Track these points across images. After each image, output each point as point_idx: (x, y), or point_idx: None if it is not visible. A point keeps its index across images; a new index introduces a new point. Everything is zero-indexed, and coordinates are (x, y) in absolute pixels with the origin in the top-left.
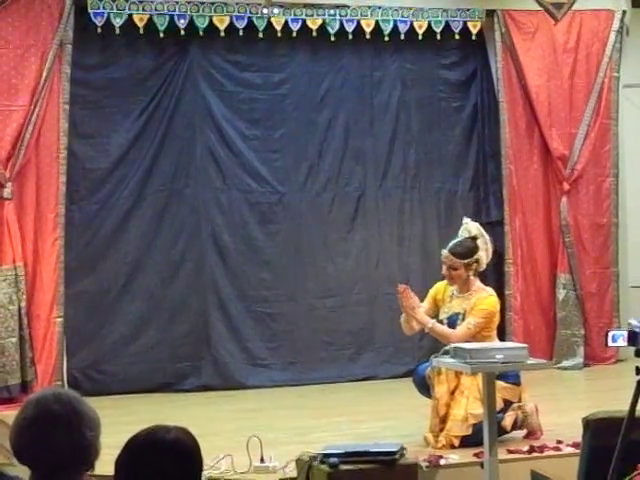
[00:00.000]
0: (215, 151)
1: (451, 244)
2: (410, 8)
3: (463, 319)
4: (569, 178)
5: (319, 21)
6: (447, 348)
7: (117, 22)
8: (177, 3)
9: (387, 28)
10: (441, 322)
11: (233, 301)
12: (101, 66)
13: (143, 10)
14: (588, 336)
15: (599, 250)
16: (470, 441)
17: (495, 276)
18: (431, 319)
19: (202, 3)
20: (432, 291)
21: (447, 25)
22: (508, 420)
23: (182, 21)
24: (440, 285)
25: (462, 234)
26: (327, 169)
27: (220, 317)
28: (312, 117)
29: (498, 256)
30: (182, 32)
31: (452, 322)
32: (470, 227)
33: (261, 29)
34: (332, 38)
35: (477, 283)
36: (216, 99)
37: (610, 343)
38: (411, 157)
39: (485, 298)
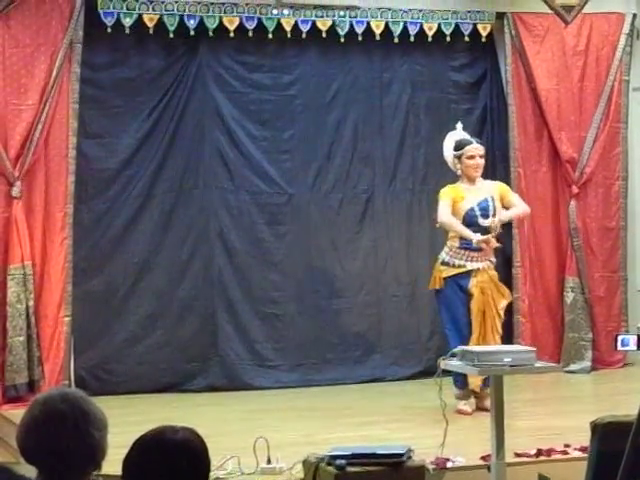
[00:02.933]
0: (224, 152)
1: (473, 139)
2: (420, 10)
3: (493, 201)
4: (578, 181)
5: (329, 22)
6: (455, 351)
7: (127, 22)
8: (187, 3)
9: (397, 30)
10: (472, 209)
11: (241, 302)
12: (111, 66)
13: (153, 10)
14: (596, 340)
15: (607, 254)
16: None
17: (503, 279)
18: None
19: (212, 4)
20: (449, 196)
21: (457, 27)
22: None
23: (192, 21)
24: (450, 190)
25: (460, 133)
26: (336, 170)
27: (228, 318)
28: (321, 118)
29: (506, 259)
30: (192, 32)
31: (484, 207)
32: (455, 135)
33: (271, 30)
34: (342, 39)
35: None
36: (225, 100)
37: (620, 347)
38: (420, 159)
39: (501, 184)
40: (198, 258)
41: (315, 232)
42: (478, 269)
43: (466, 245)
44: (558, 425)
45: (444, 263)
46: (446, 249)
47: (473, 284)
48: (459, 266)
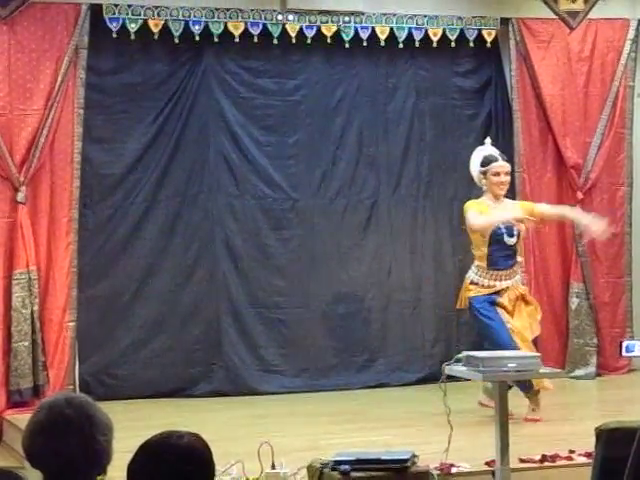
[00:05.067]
0: (229, 157)
1: (499, 156)
2: (425, 15)
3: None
4: (583, 187)
5: (334, 28)
6: (459, 356)
7: (132, 27)
8: (192, 9)
9: (402, 35)
10: (499, 228)
11: (245, 307)
12: (116, 71)
13: (158, 16)
14: (601, 345)
15: (612, 259)
16: None
17: None
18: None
19: (217, 9)
20: (476, 208)
21: (462, 33)
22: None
23: (197, 27)
24: (475, 204)
25: (488, 149)
26: (340, 176)
27: (232, 323)
28: (326, 124)
29: None
30: (197, 38)
31: (508, 225)
32: (484, 150)
33: (276, 35)
34: (347, 45)
35: None
36: (230, 105)
37: (625, 353)
38: (424, 165)
39: (521, 202)
40: (203, 263)
41: (320, 237)
42: (507, 287)
43: (494, 265)
44: (563, 431)
45: (473, 283)
46: (474, 269)
47: (504, 298)
48: (488, 286)
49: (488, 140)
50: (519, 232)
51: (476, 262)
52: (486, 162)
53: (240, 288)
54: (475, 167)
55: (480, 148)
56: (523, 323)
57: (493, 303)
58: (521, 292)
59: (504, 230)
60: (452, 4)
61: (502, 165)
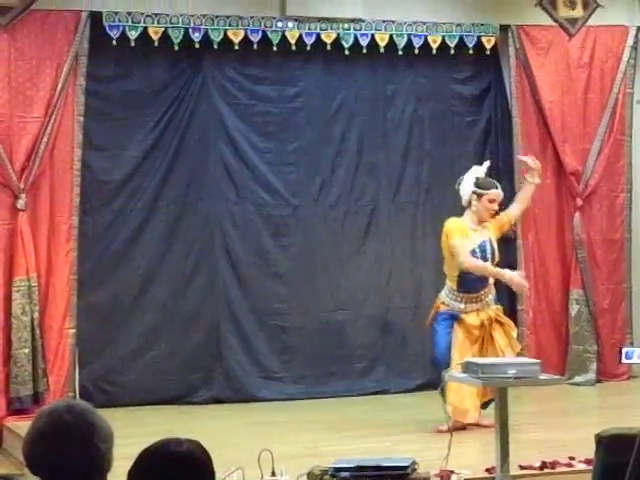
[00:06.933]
0: (228, 164)
1: (494, 183)
2: (424, 23)
3: (491, 243)
4: (582, 194)
5: (333, 35)
6: (459, 362)
7: (132, 35)
8: (192, 16)
9: (401, 42)
10: (474, 251)
11: (245, 314)
12: (116, 78)
13: (158, 23)
14: (601, 352)
15: (612, 266)
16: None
17: (507, 291)
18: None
19: (217, 17)
20: (459, 229)
21: (461, 40)
22: None
23: (197, 34)
24: (458, 226)
25: (484, 171)
26: (340, 183)
27: (232, 329)
28: (326, 131)
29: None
30: (197, 45)
31: (483, 249)
32: (480, 170)
33: (275, 43)
34: (346, 52)
35: None
36: (230, 112)
37: (624, 360)
38: (424, 171)
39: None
40: (202, 270)
41: (319, 244)
42: (478, 309)
43: (465, 288)
44: (563, 437)
45: (444, 304)
46: (446, 290)
47: (470, 318)
48: (458, 309)
49: (487, 163)
50: (494, 255)
51: (448, 283)
52: (485, 186)
53: (240, 295)
54: (469, 186)
55: (477, 168)
56: (504, 342)
57: (455, 318)
58: (492, 314)
59: (479, 254)
60: (451, 11)
61: (499, 194)
